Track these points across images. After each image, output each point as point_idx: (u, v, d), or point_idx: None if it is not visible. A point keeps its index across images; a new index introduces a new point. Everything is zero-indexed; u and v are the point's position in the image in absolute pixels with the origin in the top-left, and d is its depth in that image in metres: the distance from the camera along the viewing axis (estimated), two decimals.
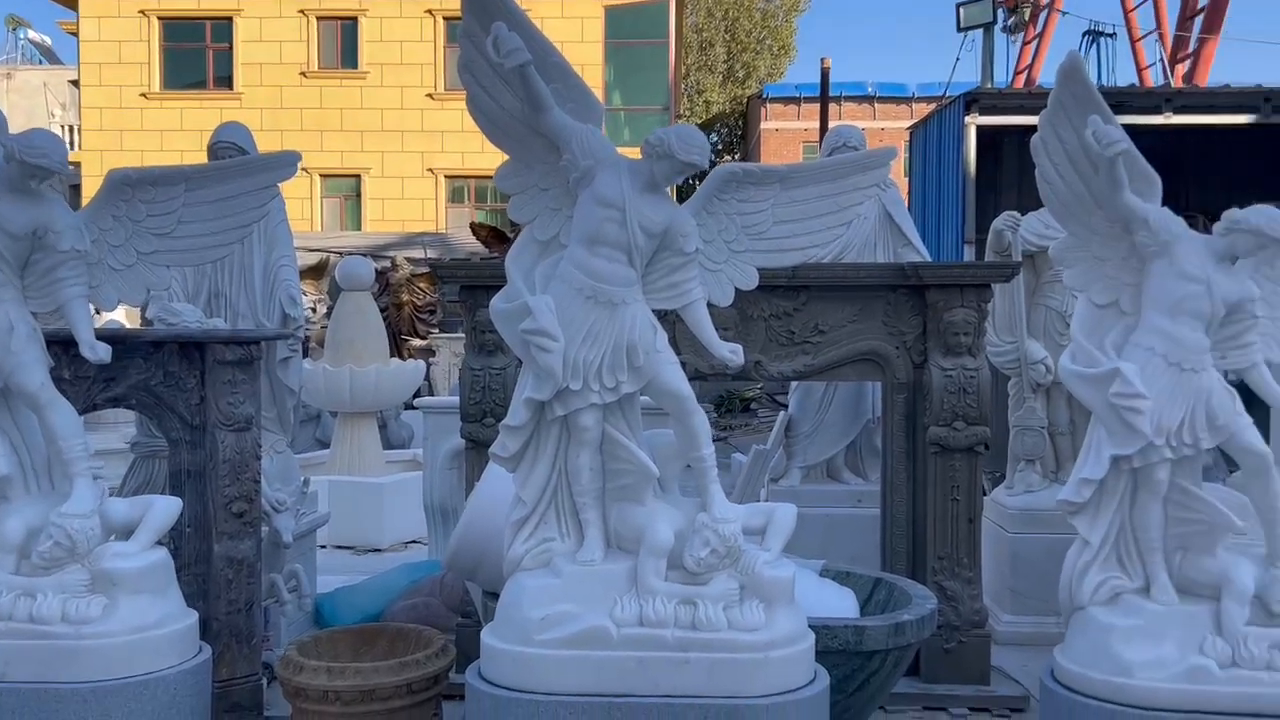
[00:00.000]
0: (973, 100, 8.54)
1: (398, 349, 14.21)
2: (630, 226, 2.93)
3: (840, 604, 3.81)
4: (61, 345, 3.27)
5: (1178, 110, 8.51)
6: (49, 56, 45.66)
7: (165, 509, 3.16)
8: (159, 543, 3.19)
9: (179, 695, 3.05)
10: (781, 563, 2.96)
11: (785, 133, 41.66)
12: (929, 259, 5.98)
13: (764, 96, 42.16)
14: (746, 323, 4.69)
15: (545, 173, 3.09)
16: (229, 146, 5.05)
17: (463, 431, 4.63)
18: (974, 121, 8.45)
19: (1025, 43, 23.68)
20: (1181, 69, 17.88)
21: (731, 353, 3.03)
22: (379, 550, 7.65)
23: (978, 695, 4.52)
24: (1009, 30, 23.04)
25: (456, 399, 6.08)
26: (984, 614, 4.62)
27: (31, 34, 45.36)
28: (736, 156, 46.85)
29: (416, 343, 14.34)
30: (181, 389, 3.80)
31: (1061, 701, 2.89)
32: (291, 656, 3.21)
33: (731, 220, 3.14)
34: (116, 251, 3.24)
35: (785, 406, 6.07)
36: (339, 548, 7.68)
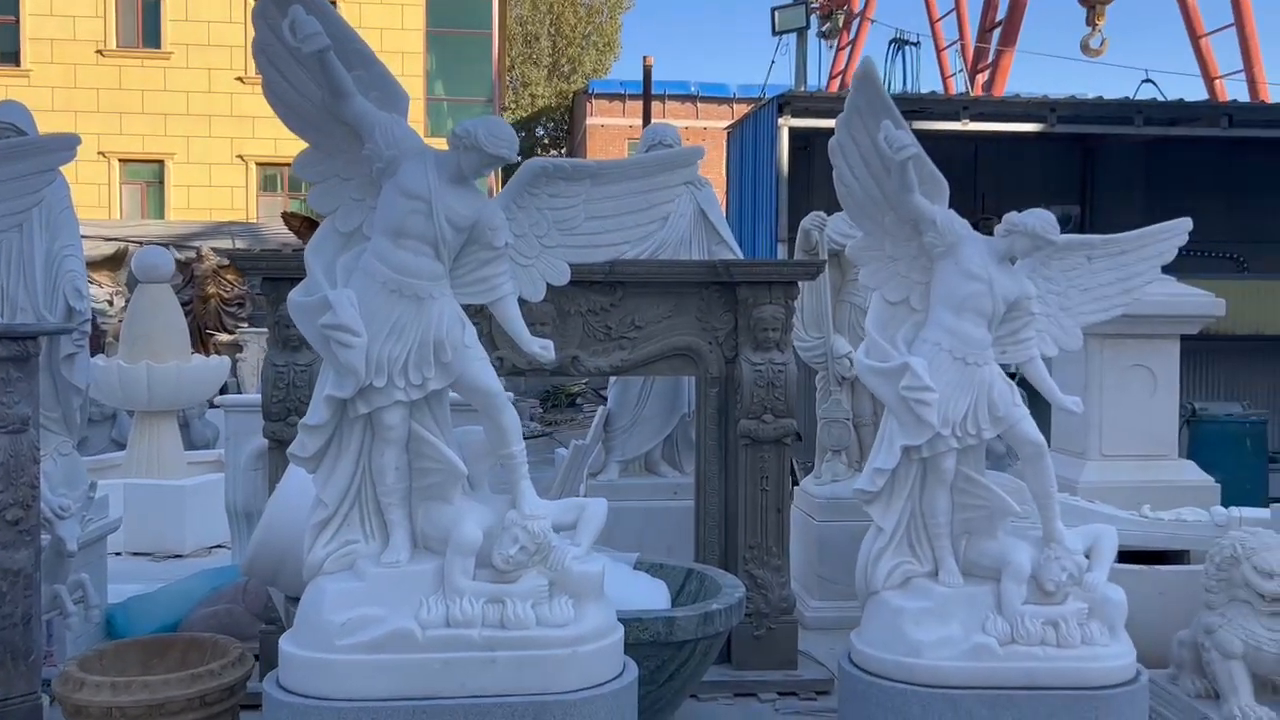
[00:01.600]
0: (785, 103, 8.79)
1: (203, 344, 13.56)
2: (437, 219, 2.87)
3: (652, 596, 3.85)
4: None
5: (974, 118, 9.00)
6: None
7: None
8: None
9: None
10: (591, 558, 2.97)
11: (611, 129, 41.90)
12: (742, 256, 6.12)
13: (589, 92, 42.29)
14: (564, 318, 4.68)
15: (347, 162, 2.99)
16: (7, 127, 4.63)
17: (265, 431, 4.44)
18: (786, 123, 8.70)
19: (839, 48, 24.60)
20: (981, 78, 18.97)
21: (542, 348, 3.01)
22: (180, 556, 7.27)
23: (786, 680, 4.65)
24: (824, 36, 23.89)
25: (251, 398, 5.86)
26: (791, 601, 4.77)
27: None
28: (563, 151, 46.82)
29: (223, 338, 13.71)
30: None
31: (857, 683, 3.00)
32: (71, 673, 3.00)
33: (543, 215, 3.12)
34: None
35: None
36: (136, 554, 7.26)
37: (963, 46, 20.46)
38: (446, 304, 2.91)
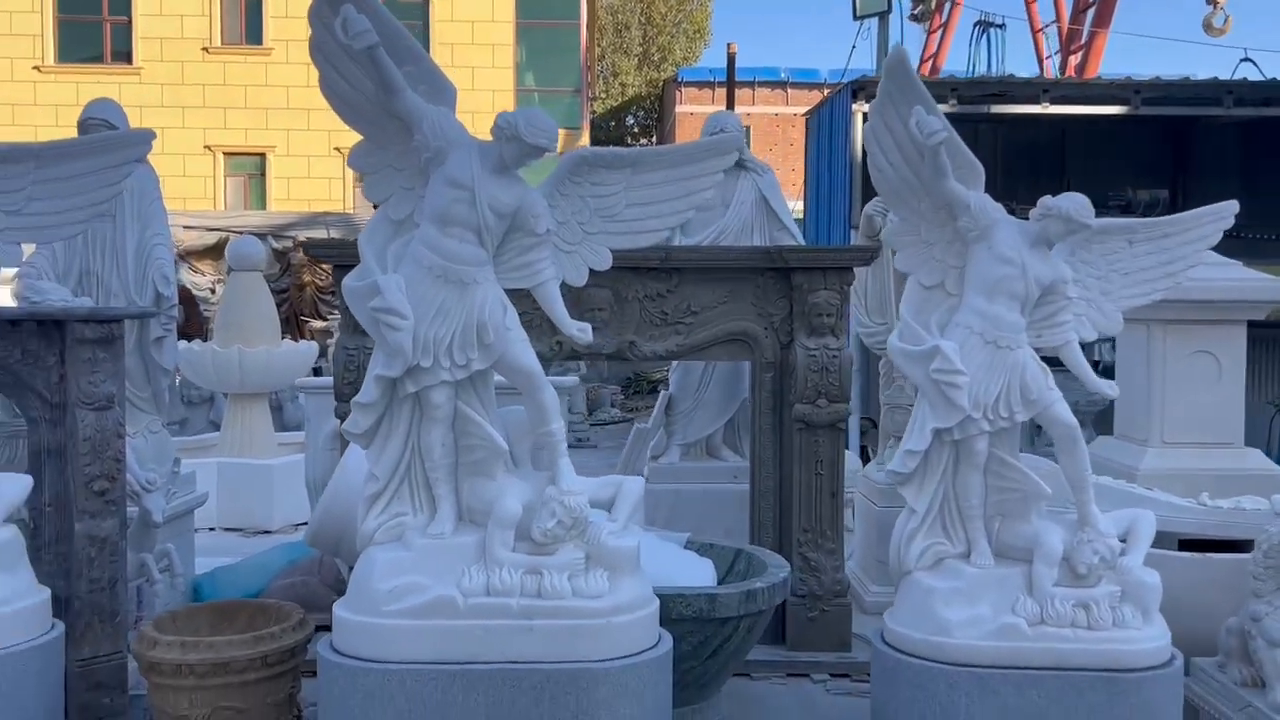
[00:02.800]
0: (859, 89, 8.75)
1: (299, 330, 14.05)
2: (480, 207, 3.00)
3: (698, 574, 3.94)
4: None
5: (1055, 101, 8.83)
6: None
7: (15, 486, 3.15)
8: (11, 520, 3.18)
9: (28, 671, 3.05)
10: (627, 533, 3.07)
11: (700, 116, 41.60)
12: (803, 243, 6.15)
13: (679, 80, 42.23)
14: (621, 304, 4.79)
15: (399, 153, 3.14)
16: (99, 123, 4.99)
17: (337, 411, 4.66)
18: (860, 109, 8.66)
19: (930, 31, 24.18)
20: (1074, 60, 18.48)
21: (580, 330, 3.12)
22: (269, 532, 7.61)
23: (839, 661, 4.71)
24: (916, 19, 23.51)
25: (329, 381, 6.10)
26: (846, 584, 4.81)
27: None
28: (653, 140, 46.90)
29: (317, 324, 14.18)
30: (40, 367, 3.77)
31: (888, 661, 3.06)
32: (146, 632, 3.24)
33: (585, 203, 3.23)
34: None
35: None
36: (228, 530, 7.63)
37: (1059, 27, 19.94)
38: (490, 288, 3.05)
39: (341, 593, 4.60)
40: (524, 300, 3.22)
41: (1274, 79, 9.47)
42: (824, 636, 4.76)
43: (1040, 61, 21.42)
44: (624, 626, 2.94)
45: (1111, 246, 3.18)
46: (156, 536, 4.56)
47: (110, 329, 3.82)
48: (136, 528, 4.41)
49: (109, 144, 3.36)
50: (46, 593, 3.19)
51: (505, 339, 3.03)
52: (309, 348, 8.88)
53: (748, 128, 39.64)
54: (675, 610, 3.54)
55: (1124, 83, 9.00)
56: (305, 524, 7.74)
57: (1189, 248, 3.24)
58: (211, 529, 7.51)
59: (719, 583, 3.98)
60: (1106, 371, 5.61)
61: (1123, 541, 3.04)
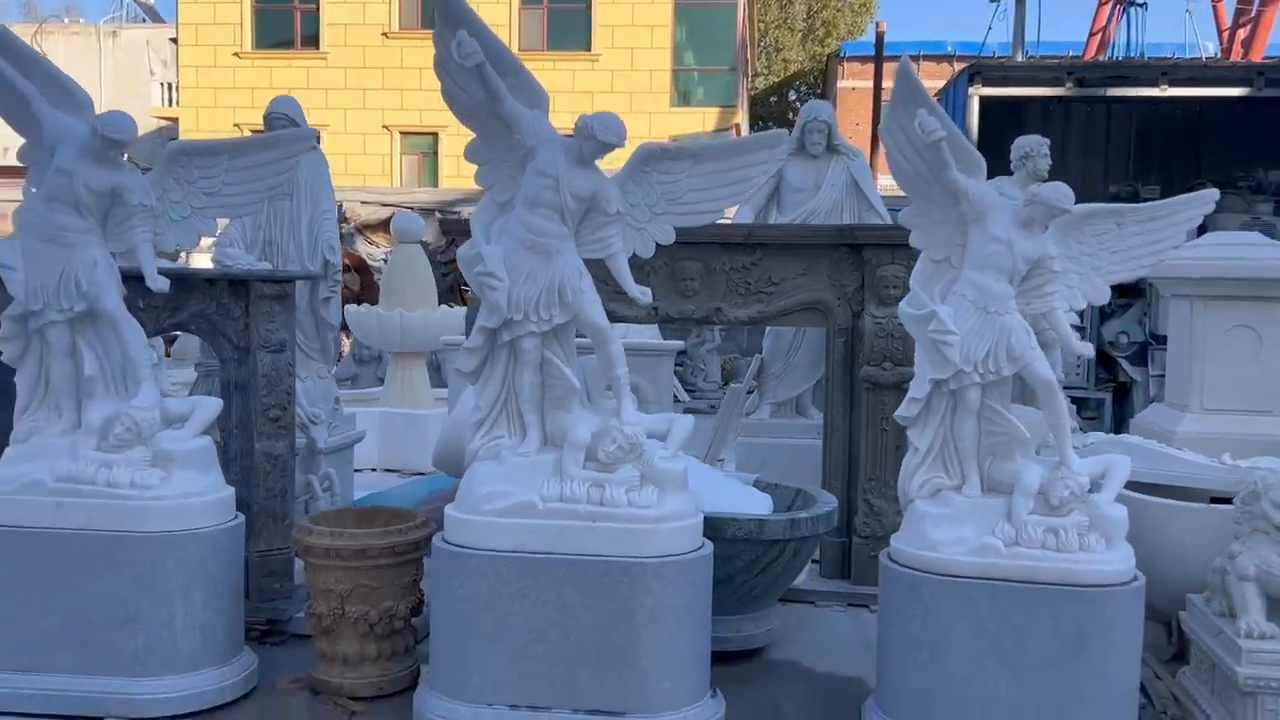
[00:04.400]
0: (976, 72, 9.06)
1: (461, 297, 15.20)
2: (562, 192, 3.74)
3: (757, 506, 4.61)
4: (137, 280, 4.19)
5: (1173, 83, 8.92)
6: (151, 15, 47.48)
7: (209, 406, 4.09)
8: (209, 436, 4.12)
9: (217, 547, 3.99)
10: (675, 458, 3.76)
11: (862, 91, 41.10)
12: (888, 221, 6.66)
13: (842, 55, 41.93)
14: (710, 275, 5.46)
15: (503, 149, 3.89)
16: (281, 117, 5.96)
17: None
18: (977, 92, 8.96)
19: (1102, 3, 23.58)
20: (1242, 34, 17.88)
21: (641, 293, 3.82)
22: (422, 474, 8.61)
23: None
24: None
25: None
26: None
27: None
28: None
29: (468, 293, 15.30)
30: (230, 317, 4.74)
31: (890, 573, 3.65)
32: (305, 525, 4.13)
33: (653, 189, 3.91)
34: (175, 206, 4.14)
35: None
36: (388, 470, 8.69)
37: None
38: (570, 258, 3.77)
39: None
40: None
41: None
42: None
43: (1220, 33, 20.71)
44: (667, 532, 3.64)
45: (1102, 228, 3.65)
46: (321, 462, 5.51)
47: (283, 288, 4.77)
48: (305, 453, 5.36)
49: (283, 140, 4.25)
50: (231, 490, 4.12)
51: (580, 299, 3.75)
52: (462, 312, 9.87)
53: None
54: (730, 532, 4.23)
55: (1245, 65, 8.99)
56: None
57: (1173, 229, 3.67)
58: (374, 469, 8.60)
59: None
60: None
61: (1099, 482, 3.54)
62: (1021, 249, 3.52)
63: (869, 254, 5.31)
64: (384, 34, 28.31)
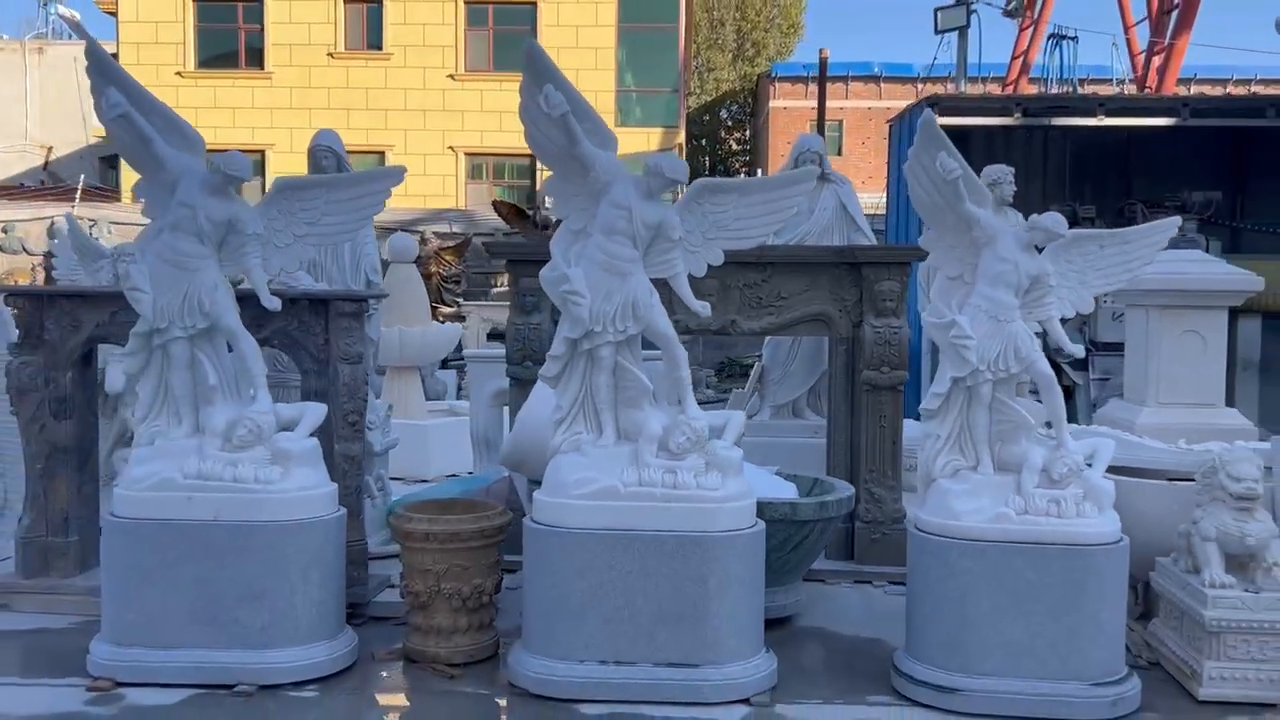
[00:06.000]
0: (934, 103, 9.90)
1: (434, 314, 15.70)
2: (634, 222, 4.36)
3: (785, 492, 5.28)
4: (240, 299, 4.70)
5: (1110, 113, 9.87)
6: (79, 32, 46.79)
7: (317, 410, 4.63)
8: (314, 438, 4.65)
9: (328, 536, 4.52)
10: (734, 448, 4.40)
11: (793, 111, 42.38)
12: (874, 242, 7.42)
13: (773, 76, 43.02)
14: (725, 290, 6.12)
15: (578, 184, 4.49)
16: (325, 150, 6.54)
17: (508, 371, 6.10)
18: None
19: (1022, 28, 24.89)
20: (1157, 61, 19.18)
21: (701, 307, 4.46)
22: (425, 481, 9.12)
23: (896, 573, 5.92)
24: (1009, 14, 24.26)
25: (493, 350, 7.56)
26: (902, 512, 6.06)
27: (62, 9, 46.57)
28: (746, 133, 48.03)
29: (445, 310, 15.80)
30: (310, 333, 5.27)
31: (917, 540, 4.34)
32: (401, 512, 4.69)
33: (705, 217, 4.55)
34: (279, 235, 4.67)
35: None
36: (392, 478, 9.15)
37: (1151, 24, 20.45)
38: (640, 278, 4.40)
39: (510, 508, 6.10)
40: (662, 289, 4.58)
41: None
42: (884, 553, 6.03)
43: (1132, 57, 22.05)
44: (730, 510, 4.28)
45: (1087, 249, 4.40)
46: (375, 463, 6.05)
47: (360, 305, 5.32)
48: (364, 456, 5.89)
49: (375, 176, 4.80)
50: (335, 486, 4.65)
51: (651, 312, 4.38)
52: (455, 329, 10.45)
53: (840, 122, 40.40)
54: (766, 514, 4.85)
55: (1172, 97, 9.98)
56: (453, 475, 9.30)
57: (1146, 250, 4.43)
58: None
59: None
60: None
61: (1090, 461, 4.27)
62: (1025, 267, 4.24)
63: (867, 271, 6.03)
64: (329, 54, 28.56)
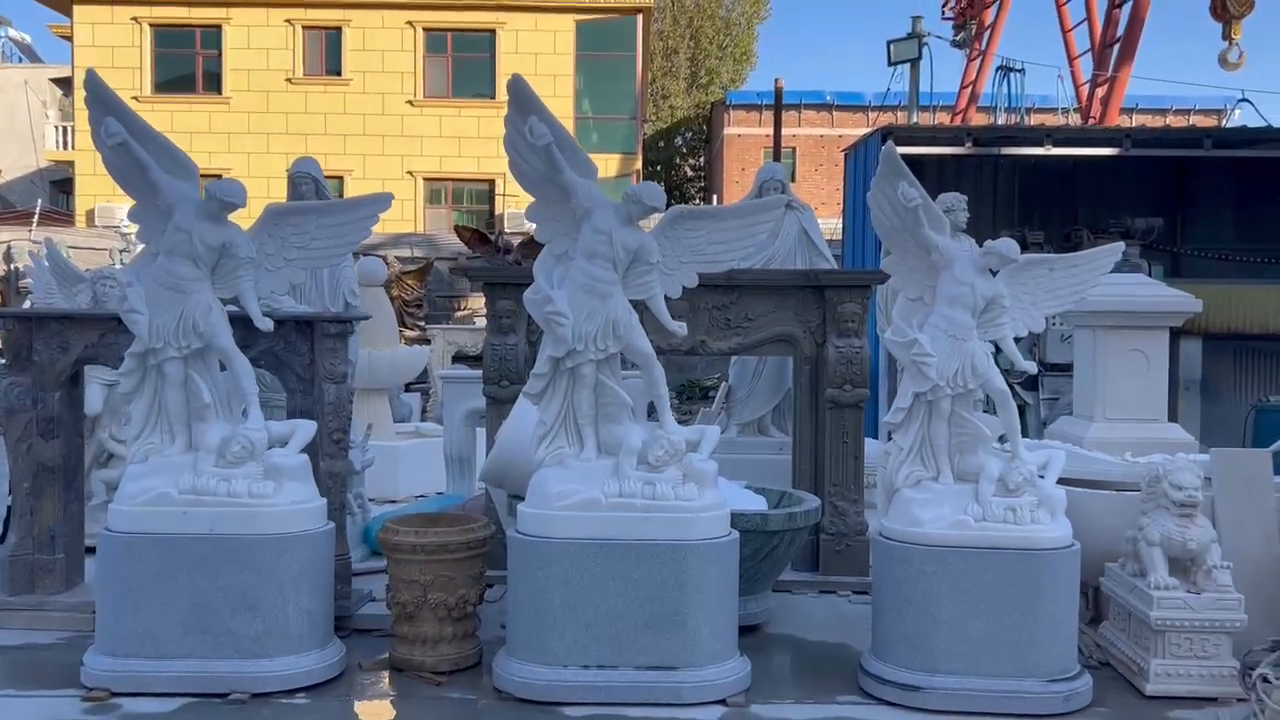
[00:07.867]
0: (889, 133, 10.28)
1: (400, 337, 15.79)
2: (614, 246, 4.60)
3: (755, 503, 5.51)
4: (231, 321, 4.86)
5: (1056, 144, 10.31)
6: (29, 54, 46.37)
7: (307, 427, 4.80)
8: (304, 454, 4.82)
9: (319, 548, 4.68)
10: (709, 461, 4.63)
11: (748, 138, 43.03)
12: (835, 266, 7.71)
13: (727, 103, 43.64)
14: (695, 312, 6.35)
15: (559, 210, 4.72)
16: (305, 177, 6.72)
17: (485, 391, 6.29)
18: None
19: (970, 59, 25.59)
20: (1101, 92, 19.83)
21: (678, 327, 4.69)
22: (394, 501, 9.25)
23: (859, 582, 6.22)
24: (957, 45, 24.94)
25: (467, 371, 7.74)
26: (865, 525, 6.32)
27: (12, 32, 46.12)
28: (701, 160, 48.64)
29: (409, 333, 15.90)
30: (296, 353, 5.43)
31: (884, 547, 4.59)
32: (389, 525, 4.86)
33: (680, 242, 4.79)
34: (270, 259, 4.85)
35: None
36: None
37: (1095, 57, 21.11)
38: (620, 299, 4.62)
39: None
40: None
41: (1244, 126, 10.87)
42: (848, 564, 6.29)
43: (1076, 88, 22.75)
44: (706, 520, 4.51)
45: (1038, 273, 4.71)
46: (354, 481, 6.20)
47: (344, 326, 5.49)
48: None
49: (363, 203, 4.99)
50: (325, 500, 4.82)
51: (631, 332, 4.61)
52: (422, 351, 10.59)
53: (794, 149, 41.05)
54: (739, 525, 5.08)
55: (1115, 128, 10.45)
56: (422, 496, 9.44)
57: (1093, 272, 4.74)
58: None
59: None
60: None
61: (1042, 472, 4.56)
62: (981, 289, 4.53)
63: (830, 294, 6.30)
64: (288, 79, 28.65)
